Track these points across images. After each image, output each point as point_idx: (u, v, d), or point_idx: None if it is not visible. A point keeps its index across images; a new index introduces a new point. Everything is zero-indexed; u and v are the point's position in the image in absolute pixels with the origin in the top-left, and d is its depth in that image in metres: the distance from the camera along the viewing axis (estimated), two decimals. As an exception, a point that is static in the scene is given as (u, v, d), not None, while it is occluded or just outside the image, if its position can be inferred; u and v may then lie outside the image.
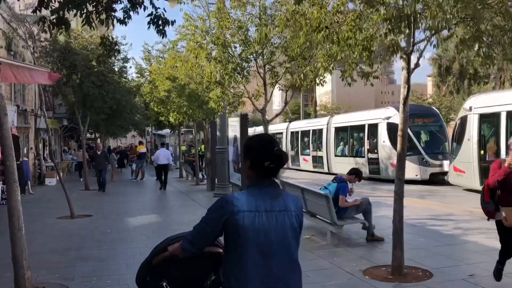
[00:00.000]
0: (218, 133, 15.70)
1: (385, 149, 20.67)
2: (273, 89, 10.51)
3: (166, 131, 32.95)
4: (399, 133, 5.89)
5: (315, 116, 44.12)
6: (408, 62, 5.72)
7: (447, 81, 42.59)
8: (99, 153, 17.65)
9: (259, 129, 32.05)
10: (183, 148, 48.57)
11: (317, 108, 55.63)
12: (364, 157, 22.58)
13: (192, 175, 22.34)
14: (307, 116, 50.56)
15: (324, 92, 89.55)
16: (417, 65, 5.85)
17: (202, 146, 25.79)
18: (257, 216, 2.31)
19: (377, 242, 7.82)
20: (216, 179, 15.95)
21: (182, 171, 24.88)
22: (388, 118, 20.91)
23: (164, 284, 2.72)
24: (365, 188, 18.00)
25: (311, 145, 28.43)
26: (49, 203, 14.23)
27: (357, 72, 6.66)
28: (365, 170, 22.12)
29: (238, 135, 12.97)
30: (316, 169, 27.34)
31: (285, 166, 2.45)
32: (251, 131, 25.65)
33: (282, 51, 9.70)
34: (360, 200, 7.88)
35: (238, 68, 9.61)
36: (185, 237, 2.49)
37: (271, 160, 2.35)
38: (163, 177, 17.95)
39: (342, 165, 24.76)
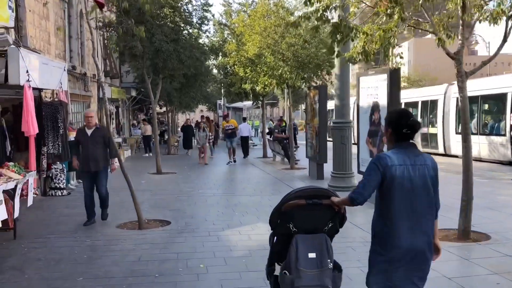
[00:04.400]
0: (337, 101, 11.22)
1: (543, 125, 15.29)
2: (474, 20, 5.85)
3: (245, 103, 28.82)
4: None
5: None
6: None
7: None
8: (89, 132, 7.80)
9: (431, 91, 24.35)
10: (257, 123, 44.57)
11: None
12: (504, 135, 17.28)
13: (282, 156, 18.16)
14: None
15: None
16: None
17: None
18: (405, 168, 2.99)
19: None
20: (325, 165, 11.63)
21: (267, 150, 20.79)
22: (548, 83, 15.45)
23: (291, 226, 3.39)
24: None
25: (418, 119, 23.17)
26: (112, 195, 10.52)
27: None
28: (506, 152, 16.93)
29: (384, 101, 8.46)
30: (425, 149, 22.12)
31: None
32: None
33: None
34: None
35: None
36: (353, 191, 3.06)
37: (407, 128, 3.04)
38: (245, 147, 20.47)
39: (467, 145, 19.63)
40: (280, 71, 14.19)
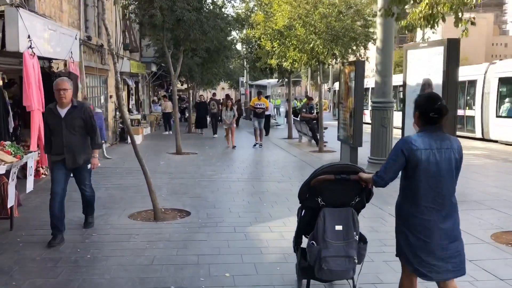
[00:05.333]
0: (378, 78, 10.02)
1: None
2: None
3: (269, 81, 27.60)
4: None
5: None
6: None
7: None
8: (63, 113, 5.37)
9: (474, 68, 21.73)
10: (278, 102, 43.10)
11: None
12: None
13: (309, 137, 17.06)
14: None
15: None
16: None
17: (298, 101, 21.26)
18: (431, 152, 3.01)
19: None
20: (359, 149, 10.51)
21: (292, 131, 19.71)
22: None
23: (319, 200, 3.54)
24: None
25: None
26: (125, 177, 9.68)
27: None
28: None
29: (438, 79, 7.26)
30: (461, 133, 20.72)
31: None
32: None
33: None
34: None
35: None
36: (376, 173, 3.18)
37: (435, 112, 3.04)
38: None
39: (508, 130, 18.13)
40: (311, 44, 12.99)
